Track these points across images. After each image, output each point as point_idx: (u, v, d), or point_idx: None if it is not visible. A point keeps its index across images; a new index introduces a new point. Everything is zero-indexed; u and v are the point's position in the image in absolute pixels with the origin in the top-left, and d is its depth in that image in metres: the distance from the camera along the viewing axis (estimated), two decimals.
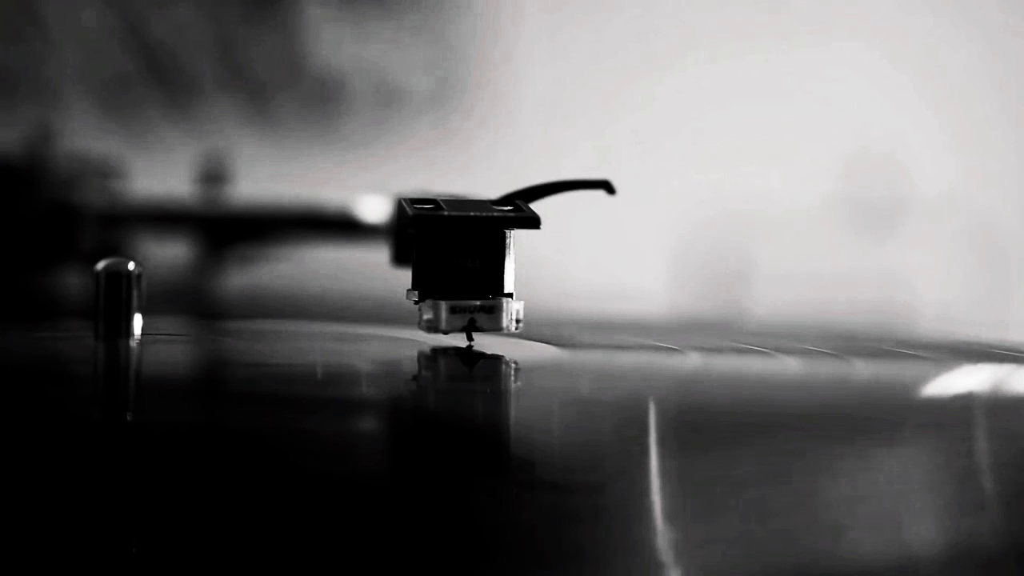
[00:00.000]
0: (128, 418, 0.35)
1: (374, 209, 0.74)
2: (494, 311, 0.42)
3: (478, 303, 0.42)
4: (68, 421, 0.34)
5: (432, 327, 0.42)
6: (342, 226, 0.75)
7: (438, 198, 0.42)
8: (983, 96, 1.35)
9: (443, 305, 0.41)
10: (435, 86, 1.40)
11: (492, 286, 0.42)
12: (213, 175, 0.79)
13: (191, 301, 0.71)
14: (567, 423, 0.35)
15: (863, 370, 0.44)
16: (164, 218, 0.78)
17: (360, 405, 0.38)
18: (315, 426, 0.34)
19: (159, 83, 1.39)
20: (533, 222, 0.42)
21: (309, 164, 1.34)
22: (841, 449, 0.33)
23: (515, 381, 0.42)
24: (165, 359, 0.44)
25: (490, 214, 0.42)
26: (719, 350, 0.50)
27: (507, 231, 0.42)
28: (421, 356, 0.44)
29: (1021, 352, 0.51)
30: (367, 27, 1.39)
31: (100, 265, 0.43)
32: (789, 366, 0.45)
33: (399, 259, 0.51)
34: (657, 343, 0.50)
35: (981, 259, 1.31)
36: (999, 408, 0.40)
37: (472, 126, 1.38)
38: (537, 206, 0.43)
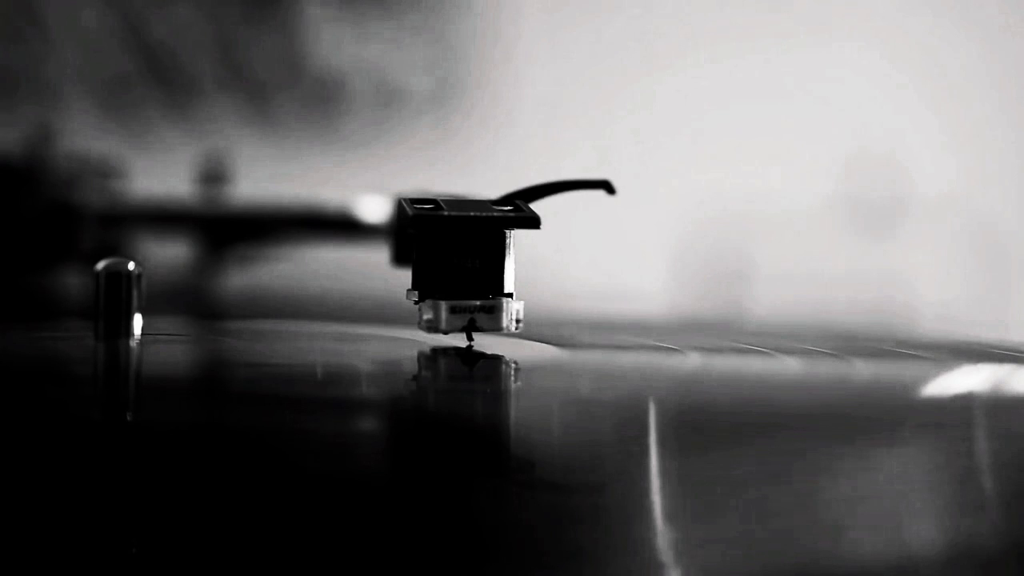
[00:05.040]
0: (128, 418, 0.35)
1: (374, 209, 0.74)
2: (494, 311, 0.42)
3: (478, 303, 0.42)
4: (68, 421, 0.34)
5: (432, 327, 0.42)
6: (342, 226, 0.75)
7: (438, 198, 0.42)
8: (983, 96, 1.35)
9: (443, 305, 0.41)
10: (435, 86, 1.40)
11: (492, 286, 0.42)
12: (213, 175, 0.79)
13: (191, 301, 0.71)
14: (567, 423, 0.35)
15: (863, 370, 0.44)
16: (164, 218, 0.77)
17: (360, 405, 0.38)
18: (315, 426, 0.34)
19: (159, 83, 1.39)
20: (533, 222, 0.42)
21: (309, 164, 1.34)
22: (841, 449, 0.33)
23: (515, 381, 0.42)
24: (165, 359, 0.44)
25: (490, 214, 0.42)
26: (719, 350, 0.50)
27: (507, 231, 0.42)
28: (421, 356, 0.44)
29: (1021, 352, 0.51)
30: (367, 27, 1.39)
31: (100, 265, 0.43)
32: (789, 366, 0.45)
33: (399, 259, 0.51)
34: (657, 343, 0.50)
35: (981, 259, 1.31)
36: (999, 408, 0.40)
37: (472, 126, 1.38)
38: (537, 206, 0.43)
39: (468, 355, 0.42)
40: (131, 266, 0.43)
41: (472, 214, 0.42)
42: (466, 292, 0.42)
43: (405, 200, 0.42)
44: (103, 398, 0.38)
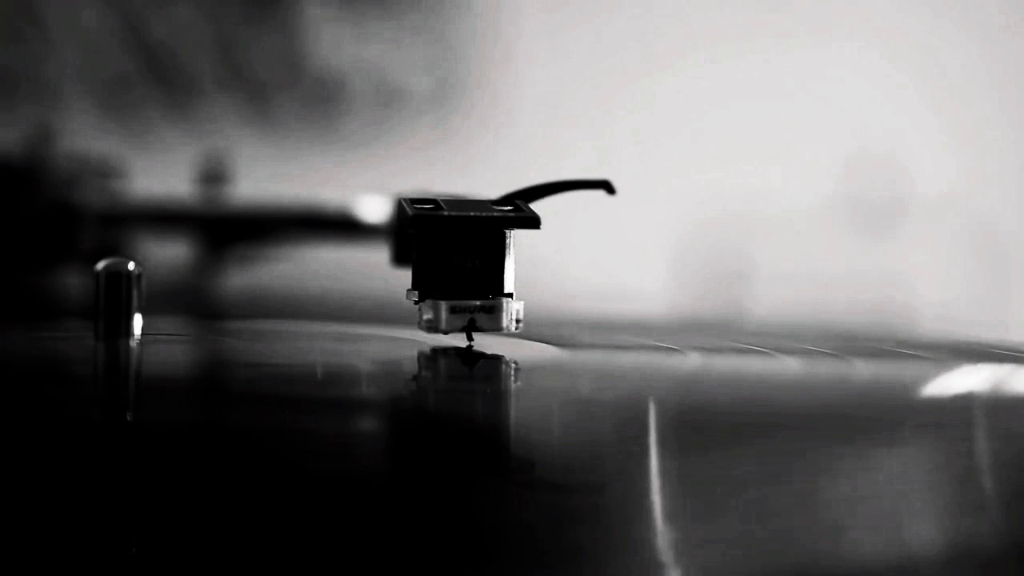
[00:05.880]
0: (128, 418, 0.35)
1: (374, 209, 0.74)
2: (494, 311, 0.42)
3: (478, 303, 0.42)
4: (68, 421, 0.34)
5: (432, 327, 0.42)
6: (342, 226, 0.75)
7: (438, 198, 0.42)
8: (983, 96, 1.35)
9: (443, 305, 0.41)
10: (435, 86, 1.40)
11: (492, 286, 0.42)
12: (213, 175, 0.79)
13: (191, 301, 0.71)
14: (567, 423, 0.35)
15: (863, 370, 0.44)
16: (164, 218, 0.78)
17: (360, 405, 0.38)
18: (315, 426, 0.34)
19: (159, 83, 1.39)
20: (533, 222, 0.42)
21: (309, 164, 1.34)
22: (841, 449, 0.33)
23: (515, 381, 0.42)
24: (165, 359, 0.44)
25: (490, 214, 0.42)
26: (719, 350, 0.50)
27: (507, 231, 0.42)
28: (421, 356, 0.44)
29: (1021, 352, 0.51)
30: (367, 27, 1.39)
31: (100, 265, 0.43)
32: (789, 366, 0.45)
33: (399, 259, 0.51)
34: (657, 343, 0.50)
35: (981, 259, 1.31)
36: (999, 408, 0.40)
37: (472, 126, 1.38)
38: (537, 206, 0.43)
39: (468, 355, 0.42)
40: (131, 266, 0.43)
41: (472, 214, 0.42)
42: (466, 292, 0.42)
43: (405, 200, 0.42)
44: (103, 398, 0.38)
